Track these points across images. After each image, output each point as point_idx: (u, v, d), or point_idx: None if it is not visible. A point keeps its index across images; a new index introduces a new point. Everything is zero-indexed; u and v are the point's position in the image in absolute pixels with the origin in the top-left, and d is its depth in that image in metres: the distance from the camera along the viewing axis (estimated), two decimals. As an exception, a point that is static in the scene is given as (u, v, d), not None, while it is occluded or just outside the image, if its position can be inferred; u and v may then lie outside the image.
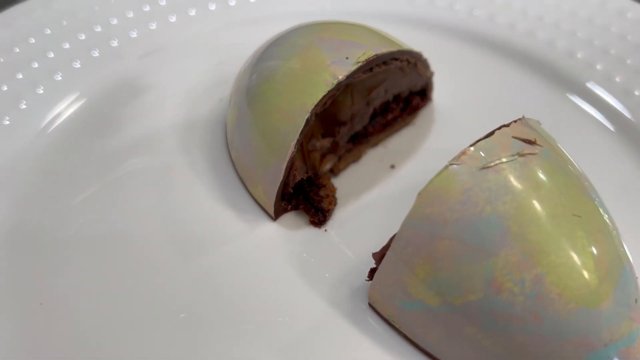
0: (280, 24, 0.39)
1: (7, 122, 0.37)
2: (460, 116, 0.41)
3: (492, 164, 0.26)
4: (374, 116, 0.36)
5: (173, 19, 0.47)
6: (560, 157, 0.28)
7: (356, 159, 0.37)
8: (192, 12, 0.48)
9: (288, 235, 0.33)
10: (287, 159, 0.30)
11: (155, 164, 0.36)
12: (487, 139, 0.27)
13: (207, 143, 0.38)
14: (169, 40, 0.46)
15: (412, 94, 0.38)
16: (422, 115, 0.40)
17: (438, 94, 0.41)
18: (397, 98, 0.37)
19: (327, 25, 0.35)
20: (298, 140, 0.30)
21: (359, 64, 0.31)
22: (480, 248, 0.24)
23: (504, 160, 0.26)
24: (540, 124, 0.31)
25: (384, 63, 0.33)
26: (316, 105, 0.30)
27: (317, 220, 0.33)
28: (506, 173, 0.25)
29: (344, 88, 0.32)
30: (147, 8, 0.47)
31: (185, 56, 0.45)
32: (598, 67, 0.44)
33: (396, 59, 0.33)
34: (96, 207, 0.34)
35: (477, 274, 0.24)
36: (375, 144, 0.38)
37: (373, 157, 0.37)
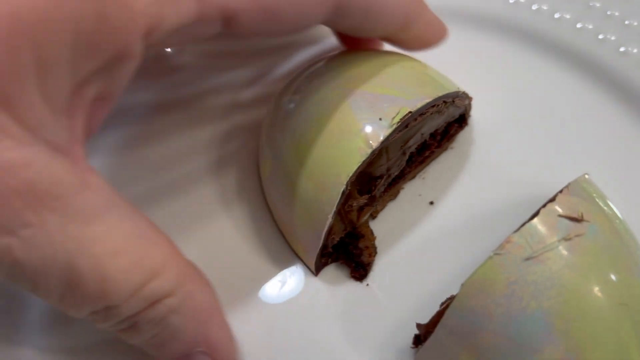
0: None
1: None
2: (501, 133, 0.38)
3: (537, 255, 0.25)
4: (410, 158, 0.35)
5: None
6: (609, 229, 0.27)
7: (394, 197, 0.36)
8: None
9: (331, 291, 0.33)
10: (325, 229, 0.30)
11: (188, 215, 0.36)
12: (531, 222, 0.26)
13: (242, 183, 0.37)
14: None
15: (449, 124, 0.36)
16: (459, 137, 0.39)
17: (473, 110, 0.39)
18: (433, 134, 0.35)
19: (356, 67, 0.33)
20: (335, 212, 0.30)
21: (394, 127, 0.29)
22: (525, 344, 0.25)
23: (549, 248, 0.25)
24: (587, 176, 0.30)
25: (421, 114, 0.31)
26: (351, 177, 0.29)
27: (358, 275, 0.33)
28: (551, 264, 0.25)
29: (379, 150, 0.30)
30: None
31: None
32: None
33: (433, 106, 0.32)
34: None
35: (521, 370, 0.25)
36: (413, 177, 0.37)
37: (411, 191, 0.36)
